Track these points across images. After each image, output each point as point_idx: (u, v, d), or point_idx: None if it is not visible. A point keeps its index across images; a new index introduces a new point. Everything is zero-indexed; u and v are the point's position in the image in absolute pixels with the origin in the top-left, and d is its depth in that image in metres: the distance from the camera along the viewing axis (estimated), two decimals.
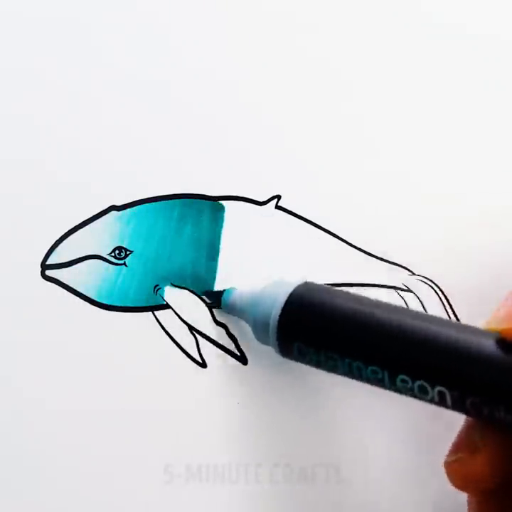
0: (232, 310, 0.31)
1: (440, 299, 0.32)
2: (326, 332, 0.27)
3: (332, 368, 0.27)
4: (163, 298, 0.31)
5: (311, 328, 0.27)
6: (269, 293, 0.29)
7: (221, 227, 0.31)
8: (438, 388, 0.25)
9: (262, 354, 0.31)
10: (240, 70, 0.32)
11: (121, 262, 0.31)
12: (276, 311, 0.28)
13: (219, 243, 0.31)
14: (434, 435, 0.32)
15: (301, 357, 0.28)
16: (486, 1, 0.34)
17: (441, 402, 0.26)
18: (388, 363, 0.26)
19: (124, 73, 0.31)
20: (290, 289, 0.28)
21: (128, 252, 0.31)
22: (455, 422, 0.32)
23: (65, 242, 0.31)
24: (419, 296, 0.32)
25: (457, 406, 0.25)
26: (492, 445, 0.26)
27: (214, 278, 0.31)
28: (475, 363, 0.25)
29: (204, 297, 0.31)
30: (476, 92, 0.34)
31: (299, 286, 0.28)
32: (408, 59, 0.33)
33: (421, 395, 0.26)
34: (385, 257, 0.33)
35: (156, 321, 0.31)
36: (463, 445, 0.26)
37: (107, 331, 0.30)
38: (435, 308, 0.32)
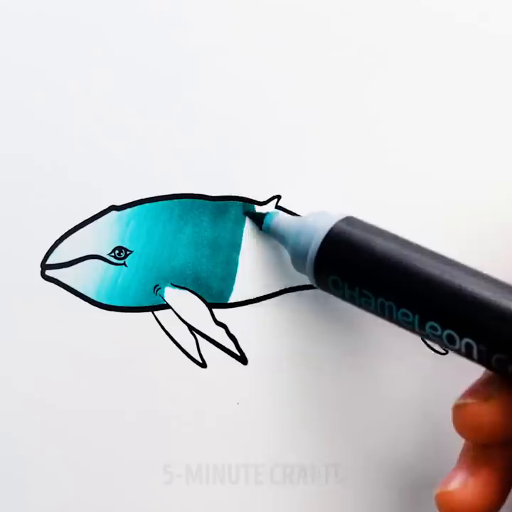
0: (273, 233, 0.31)
1: None
2: (362, 268, 0.27)
3: (364, 305, 0.28)
4: (163, 298, 0.31)
5: (348, 262, 0.27)
6: (311, 222, 0.29)
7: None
8: (466, 340, 0.25)
9: (262, 354, 0.31)
10: (240, 70, 0.32)
11: (121, 262, 0.31)
12: (316, 242, 0.28)
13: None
14: (434, 435, 0.32)
15: (336, 290, 0.28)
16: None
17: (467, 354, 0.26)
18: (420, 307, 0.26)
19: (124, 73, 0.31)
20: (332, 222, 0.28)
21: (128, 252, 0.31)
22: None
23: (65, 242, 0.31)
24: None
25: (482, 360, 0.26)
26: (507, 397, 0.25)
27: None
28: (507, 320, 0.25)
29: (247, 215, 0.31)
30: (477, 94, 0.34)
31: (341, 220, 0.28)
32: (409, 60, 0.33)
33: (448, 343, 0.26)
34: None
35: (156, 321, 0.31)
36: (477, 392, 0.26)
37: (107, 331, 0.30)
38: None
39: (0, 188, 0.30)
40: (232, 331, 0.31)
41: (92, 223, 0.31)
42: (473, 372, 0.32)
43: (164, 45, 0.32)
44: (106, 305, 0.31)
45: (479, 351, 0.25)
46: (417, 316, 0.26)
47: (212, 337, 0.31)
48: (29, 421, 0.30)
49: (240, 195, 0.32)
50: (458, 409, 0.26)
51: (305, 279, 0.30)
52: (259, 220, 0.31)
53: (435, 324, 0.26)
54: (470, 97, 0.34)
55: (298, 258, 0.29)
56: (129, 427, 0.30)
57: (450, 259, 0.27)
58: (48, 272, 0.30)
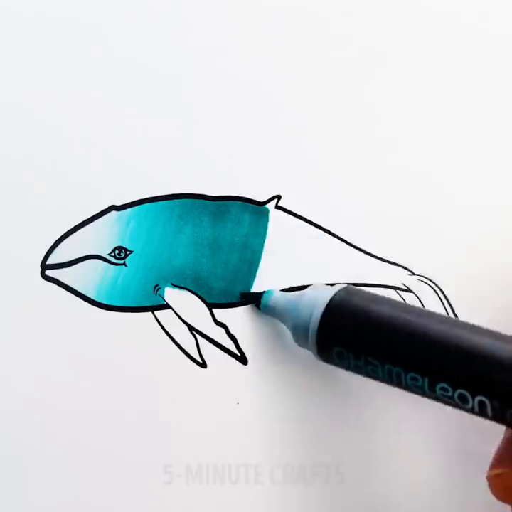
0: (271, 312, 0.31)
1: (440, 299, 0.32)
2: (366, 338, 0.27)
3: (371, 374, 0.28)
4: (163, 298, 0.31)
5: (351, 333, 0.28)
6: (309, 297, 0.29)
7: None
8: (478, 398, 0.25)
9: (262, 354, 0.31)
10: (240, 70, 0.32)
11: (121, 262, 0.31)
12: (316, 316, 0.28)
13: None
14: (434, 435, 0.32)
15: (340, 362, 0.28)
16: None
17: (481, 412, 0.26)
18: (428, 370, 0.26)
19: (124, 73, 0.31)
20: (330, 294, 0.28)
21: (128, 252, 0.31)
22: (455, 422, 0.32)
23: (64, 242, 0.31)
24: (419, 296, 0.32)
25: (497, 417, 0.25)
26: None
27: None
28: None
29: (243, 299, 0.31)
30: (476, 96, 0.34)
31: (339, 291, 0.29)
32: (409, 60, 0.33)
33: (461, 403, 0.26)
34: (384, 257, 0.33)
35: (156, 321, 0.31)
36: (505, 459, 0.27)
37: (107, 331, 0.30)
38: (435, 309, 0.32)
39: (0, 188, 0.30)
40: (232, 331, 0.31)
41: (92, 223, 0.31)
42: None
43: (164, 45, 0.32)
44: (106, 305, 0.31)
45: (493, 408, 0.25)
46: (426, 379, 0.26)
47: (212, 337, 0.31)
48: (29, 421, 0.30)
49: (240, 195, 0.32)
50: (492, 480, 0.26)
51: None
52: (256, 300, 0.31)
53: (446, 385, 0.26)
54: (471, 98, 0.34)
55: (299, 334, 0.29)
56: (129, 427, 0.30)
57: (453, 319, 0.28)
58: (48, 272, 0.30)
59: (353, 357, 0.27)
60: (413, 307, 0.28)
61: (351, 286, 0.29)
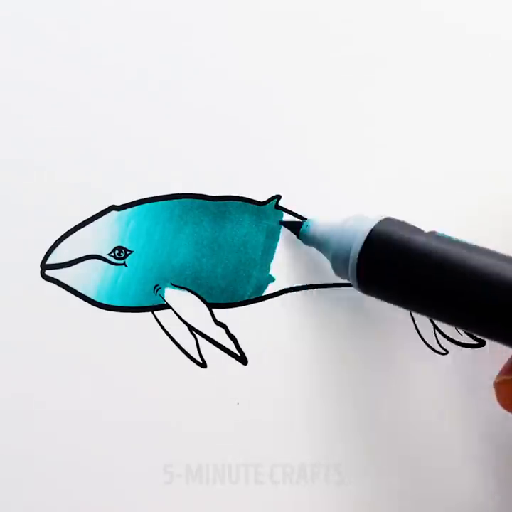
0: (311, 241, 0.31)
1: None
2: (406, 270, 0.27)
3: (411, 306, 0.28)
4: (163, 298, 0.31)
5: (391, 264, 0.27)
6: (350, 226, 0.29)
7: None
8: None
9: (262, 354, 0.31)
10: (240, 70, 0.32)
11: (121, 262, 0.31)
12: (356, 246, 0.28)
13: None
14: (434, 433, 0.32)
15: (379, 293, 0.28)
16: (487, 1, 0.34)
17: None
18: (472, 307, 0.26)
19: (124, 73, 0.31)
20: (372, 224, 0.28)
21: (128, 252, 0.31)
22: (455, 423, 0.32)
23: (64, 242, 0.31)
24: None
25: None
26: None
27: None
28: None
29: (283, 225, 0.31)
30: (475, 95, 0.34)
31: (380, 222, 0.28)
32: (408, 62, 0.33)
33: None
34: None
35: (156, 321, 0.31)
36: None
37: (106, 331, 0.30)
38: None
39: (0, 188, 0.30)
40: (232, 331, 0.31)
41: (92, 223, 0.31)
42: (474, 371, 0.32)
43: (164, 46, 0.32)
44: (106, 305, 0.31)
45: None
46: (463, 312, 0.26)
47: (212, 337, 0.31)
48: (29, 421, 0.30)
49: (240, 195, 0.32)
50: (499, 386, 0.27)
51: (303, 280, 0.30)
52: (295, 228, 0.31)
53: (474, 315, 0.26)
54: (470, 99, 0.34)
55: (339, 263, 0.29)
56: (129, 427, 0.30)
57: (497, 253, 0.27)
58: (48, 272, 0.30)
59: (392, 289, 0.27)
60: (457, 241, 0.27)
61: (391, 218, 0.29)
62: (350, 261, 0.28)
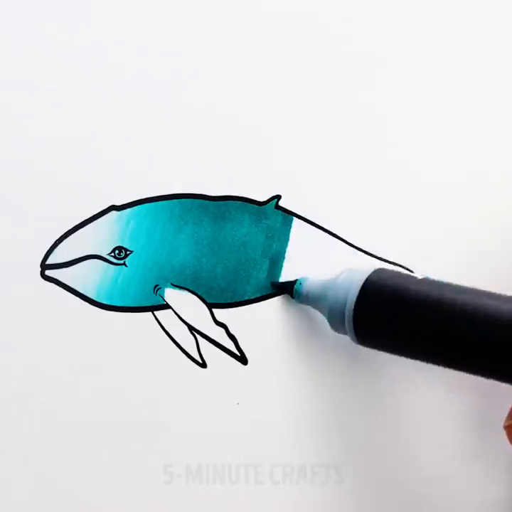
0: (305, 299, 0.31)
1: None
2: (403, 318, 0.27)
3: (410, 354, 0.28)
4: (163, 298, 0.31)
5: (387, 314, 0.27)
6: (342, 281, 0.29)
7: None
8: None
9: (262, 354, 0.31)
10: (240, 70, 0.32)
11: (121, 262, 0.31)
12: (351, 299, 0.28)
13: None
14: (433, 434, 0.32)
15: (379, 344, 0.28)
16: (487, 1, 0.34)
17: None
18: (470, 346, 0.26)
19: (124, 73, 0.31)
20: (364, 276, 0.28)
21: (128, 252, 0.31)
22: (454, 424, 0.32)
23: (64, 242, 0.31)
24: None
25: None
26: None
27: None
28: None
29: (274, 288, 0.31)
30: (475, 95, 0.34)
31: (373, 273, 0.28)
32: (408, 62, 0.33)
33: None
34: (384, 257, 0.33)
35: (156, 321, 0.31)
36: None
37: (106, 331, 0.30)
38: None
39: (0, 189, 0.30)
40: (232, 331, 0.31)
41: (91, 223, 0.31)
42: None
43: (164, 46, 0.32)
44: (106, 305, 0.31)
45: None
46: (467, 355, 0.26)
47: (212, 337, 0.31)
48: (29, 421, 0.30)
49: (240, 195, 0.32)
50: (509, 429, 0.28)
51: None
52: (289, 288, 0.31)
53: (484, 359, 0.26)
54: (470, 99, 0.34)
55: (335, 318, 0.29)
56: (129, 427, 0.30)
57: (488, 292, 0.27)
58: (48, 272, 0.30)
59: (391, 338, 0.27)
60: (449, 284, 0.28)
61: (383, 268, 0.29)
62: (347, 313, 0.28)
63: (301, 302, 0.31)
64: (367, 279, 0.28)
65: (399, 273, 0.29)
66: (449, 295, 0.27)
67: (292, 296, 0.31)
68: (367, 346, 0.29)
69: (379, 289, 0.28)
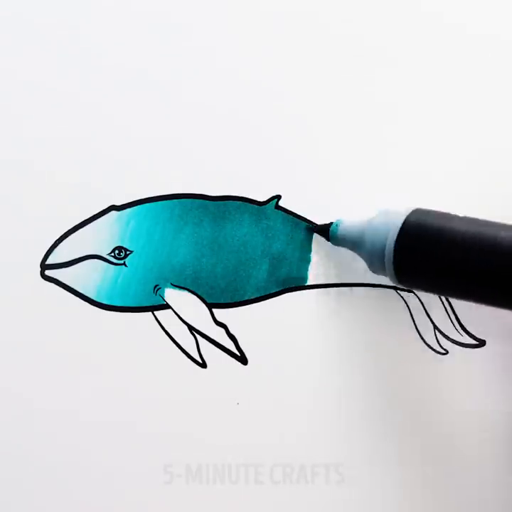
0: (342, 242, 0.31)
1: (440, 299, 0.32)
2: (444, 256, 0.27)
3: (451, 292, 0.28)
4: (163, 298, 0.31)
5: (428, 253, 0.27)
6: (380, 221, 0.29)
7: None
8: None
9: (262, 354, 0.31)
10: (240, 70, 0.32)
11: (121, 261, 0.31)
12: (391, 239, 0.28)
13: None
14: (433, 433, 0.32)
15: (419, 283, 0.28)
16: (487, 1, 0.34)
17: None
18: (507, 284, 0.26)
19: (124, 74, 0.31)
20: (402, 217, 0.28)
21: (128, 252, 0.31)
22: (455, 422, 0.32)
23: (64, 242, 0.31)
24: (419, 296, 0.32)
25: None
26: None
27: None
28: None
29: (311, 230, 0.32)
30: (475, 95, 0.34)
31: (411, 213, 0.28)
32: (409, 64, 0.33)
33: None
34: None
35: (156, 321, 0.31)
36: None
37: (106, 331, 0.30)
38: (434, 309, 0.32)
39: (0, 189, 0.30)
40: (232, 331, 0.31)
41: (91, 223, 0.31)
42: (474, 372, 0.32)
43: (164, 46, 0.32)
44: (106, 305, 0.31)
45: None
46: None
47: (212, 337, 0.31)
48: (29, 420, 0.30)
49: (240, 195, 0.32)
50: None
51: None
52: (325, 231, 0.31)
53: None
54: (469, 100, 0.34)
55: (375, 260, 0.29)
56: (129, 427, 0.30)
57: None
58: (48, 272, 0.30)
59: (431, 277, 0.27)
60: (486, 221, 0.27)
61: (420, 208, 0.29)
62: (386, 254, 0.28)
63: (338, 244, 0.31)
64: (405, 220, 0.28)
65: (435, 212, 0.28)
66: (488, 231, 0.27)
67: (328, 239, 0.31)
68: (406, 286, 0.29)
69: (418, 228, 0.28)
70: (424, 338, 0.32)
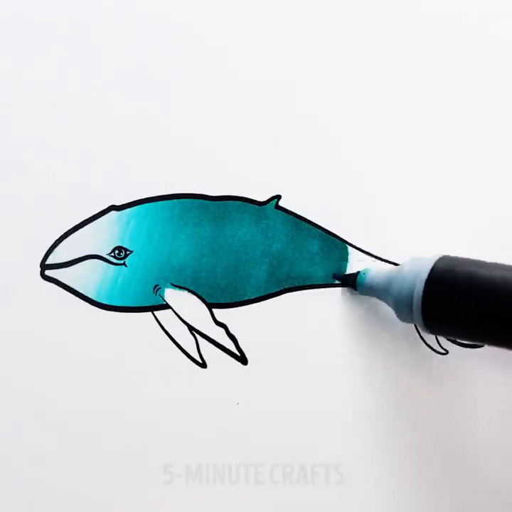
0: (369, 290, 0.31)
1: None
2: (474, 303, 0.27)
3: (480, 337, 0.28)
4: (163, 298, 0.31)
5: (457, 300, 0.27)
6: (408, 270, 0.29)
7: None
8: None
9: (262, 354, 0.31)
10: (240, 71, 0.32)
11: (121, 261, 0.31)
12: (419, 287, 0.28)
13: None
14: (433, 435, 0.32)
15: (447, 330, 0.28)
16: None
17: None
18: None
19: (124, 74, 0.31)
20: (430, 264, 0.28)
21: (128, 252, 0.31)
22: (454, 422, 0.32)
23: (64, 242, 0.31)
24: None
25: None
26: None
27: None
28: None
29: (335, 280, 0.31)
30: (475, 95, 0.34)
31: (439, 260, 0.28)
32: (409, 64, 0.33)
33: None
34: (384, 257, 0.33)
35: (156, 321, 0.31)
36: None
37: (106, 331, 0.30)
38: None
39: (0, 189, 0.30)
40: (232, 331, 0.31)
41: (91, 223, 0.31)
42: (474, 371, 0.32)
43: (164, 46, 0.32)
44: (106, 305, 0.31)
45: None
46: None
47: (212, 337, 0.31)
48: (29, 420, 0.30)
49: (240, 195, 0.32)
50: None
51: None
52: (352, 280, 0.31)
53: None
54: (470, 101, 0.34)
55: (402, 307, 0.29)
56: (130, 427, 0.30)
57: None
58: (48, 272, 0.30)
59: (460, 324, 0.27)
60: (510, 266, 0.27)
61: (447, 255, 0.29)
62: (415, 301, 0.28)
63: (365, 293, 0.31)
64: (433, 267, 0.28)
65: (463, 259, 0.28)
66: None
67: (355, 288, 0.31)
68: (434, 333, 0.29)
69: (446, 275, 0.28)
70: (424, 337, 0.32)
